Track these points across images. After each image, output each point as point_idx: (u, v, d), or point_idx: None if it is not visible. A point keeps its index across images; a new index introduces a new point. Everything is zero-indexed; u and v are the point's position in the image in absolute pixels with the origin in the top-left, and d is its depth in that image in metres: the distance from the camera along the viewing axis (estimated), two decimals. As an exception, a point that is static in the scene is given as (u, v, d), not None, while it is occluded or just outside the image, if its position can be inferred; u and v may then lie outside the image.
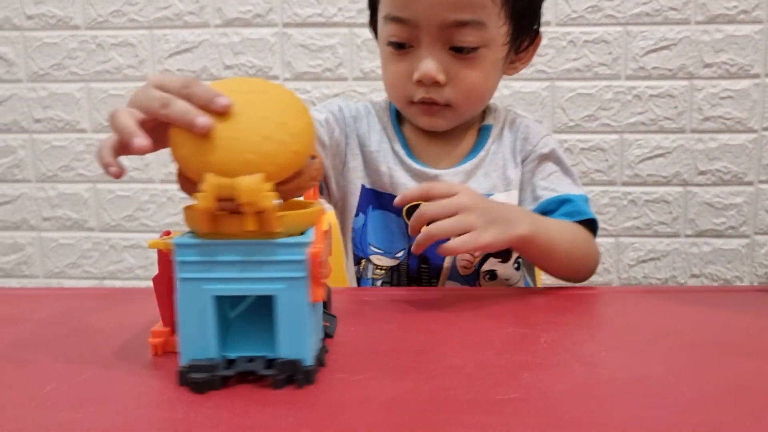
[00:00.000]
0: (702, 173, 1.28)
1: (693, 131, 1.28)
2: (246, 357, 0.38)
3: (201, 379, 0.35)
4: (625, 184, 1.30)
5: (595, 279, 1.34)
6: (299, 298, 0.36)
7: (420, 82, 0.64)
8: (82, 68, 1.35)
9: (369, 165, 0.71)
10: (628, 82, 1.27)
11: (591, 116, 1.28)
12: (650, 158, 1.29)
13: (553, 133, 1.29)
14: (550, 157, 0.70)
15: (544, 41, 1.27)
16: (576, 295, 0.59)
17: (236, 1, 1.30)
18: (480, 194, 0.56)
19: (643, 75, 1.27)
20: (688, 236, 1.30)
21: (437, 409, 0.34)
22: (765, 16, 1.24)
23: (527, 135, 0.71)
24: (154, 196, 1.35)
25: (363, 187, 0.71)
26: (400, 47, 0.64)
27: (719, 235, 1.30)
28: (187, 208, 0.38)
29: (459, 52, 0.63)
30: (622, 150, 1.29)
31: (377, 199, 0.71)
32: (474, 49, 0.63)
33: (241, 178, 0.35)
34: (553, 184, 0.69)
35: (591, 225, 0.66)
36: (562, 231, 0.61)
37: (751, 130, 1.27)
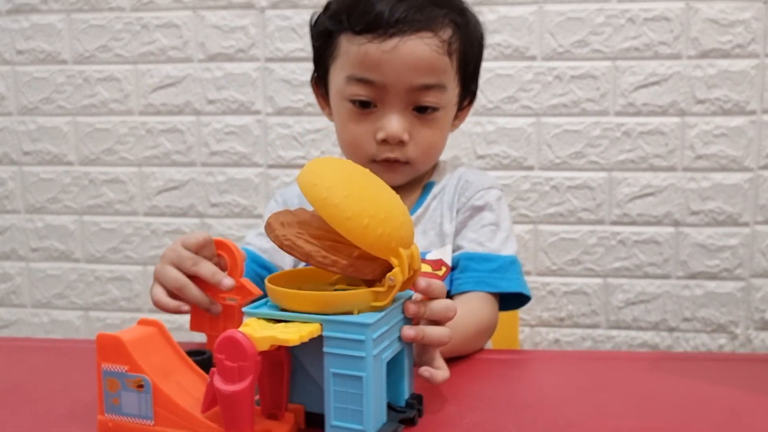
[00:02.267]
0: (695, 213, 1.23)
1: (685, 170, 1.23)
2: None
3: None
4: (613, 223, 1.25)
5: (581, 320, 1.30)
6: (409, 345, 0.44)
7: (385, 142, 0.65)
8: (70, 102, 1.36)
9: None
10: (616, 119, 1.23)
11: (578, 153, 1.24)
12: (640, 197, 1.24)
13: (538, 169, 1.25)
14: (485, 208, 0.70)
15: (529, 76, 1.25)
16: (526, 360, 0.57)
17: (219, 37, 1.30)
18: None
19: (633, 111, 1.22)
20: (679, 278, 1.25)
21: None
22: (761, 51, 1.19)
23: (466, 187, 0.72)
24: (138, 229, 1.36)
25: None
26: (365, 106, 0.66)
27: (713, 277, 1.24)
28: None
29: (421, 112, 0.66)
30: (611, 188, 1.25)
31: None
32: (435, 109, 0.66)
33: (413, 249, 0.40)
34: (481, 237, 0.68)
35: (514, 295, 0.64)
36: (468, 326, 0.57)
37: (747, 169, 1.21)
